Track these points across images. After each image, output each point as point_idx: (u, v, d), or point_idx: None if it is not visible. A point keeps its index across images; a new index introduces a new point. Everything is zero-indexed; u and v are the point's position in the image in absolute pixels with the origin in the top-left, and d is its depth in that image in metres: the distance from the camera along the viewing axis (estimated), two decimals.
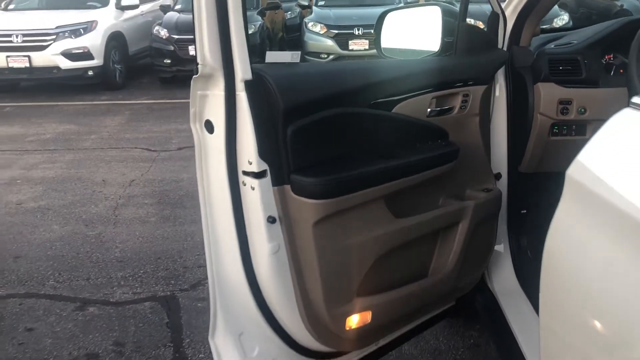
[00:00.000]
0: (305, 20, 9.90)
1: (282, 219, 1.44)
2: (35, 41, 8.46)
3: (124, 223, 4.00)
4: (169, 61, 9.03)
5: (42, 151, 5.92)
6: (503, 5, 1.96)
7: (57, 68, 8.51)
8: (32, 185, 4.85)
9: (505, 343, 1.94)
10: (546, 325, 1.22)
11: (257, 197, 1.41)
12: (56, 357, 2.54)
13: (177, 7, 9.97)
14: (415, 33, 1.90)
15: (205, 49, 1.34)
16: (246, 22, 1.35)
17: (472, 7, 2.05)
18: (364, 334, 1.64)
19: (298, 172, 1.42)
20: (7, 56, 8.41)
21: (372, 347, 1.84)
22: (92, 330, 2.73)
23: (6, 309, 2.95)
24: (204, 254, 1.59)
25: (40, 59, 8.43)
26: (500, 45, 1.92)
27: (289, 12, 12.40)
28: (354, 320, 1.59)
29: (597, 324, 1.01)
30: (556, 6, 9.62)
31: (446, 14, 1.84)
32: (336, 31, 9.20)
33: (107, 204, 4.37)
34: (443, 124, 1.76)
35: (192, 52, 8.75)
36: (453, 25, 1.84)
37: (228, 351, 1.56)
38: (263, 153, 1.39)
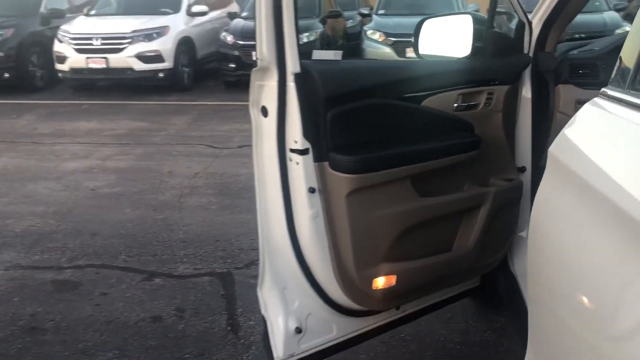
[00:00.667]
0: (365, 28, 10.20)
1: (321, 190, 1.72)
2: (113, 44, 9.11)
3: (187, 209, 4.38)
4: (233, 65, 9.50)
5: (116, 145, 6.44)
6: (530, 15, 2.18)
7: (131, 69, 9.13)
8: (107, 174, 5.33)
9: (522, 323, 2.15)
10: (533, 297, 1.40)
11: (300, 170, 1.70)
12: (126, 317, 2.91)
13: (244, 14, 10.46)
14: (449, 39, 2.14)
15: (263, 46, 1.64)
16: (297, 24, 1.64)
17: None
18: (389, 296, 1.90)
19: (335, 150, 1.70)
20: (87, 57, 9.10)
21: (398, 314, 2.10)
22: (157, 298, 3.09)
23: (84, 276, 3.36)
24: (258, 238, 1.89)
25: (116, 60, 9.08)
26: (526, 51, 2.14)
27: (350, 20, 12.71)
28: (380, 282, 1.85)
29: (577, 295, 1.19)
30: (620, 17, 9.53)
31: (477, 22, 2.08)
32: (394, 39, 9.44)
33: (173, 192, 4.77)
34: (469, 118, 2.00)
35: (255, 58, 9.20)
36: (482, 32, 2.08)
37: (273, 302, 1.85)
38: (307, 134, 1.67)
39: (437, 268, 1.98)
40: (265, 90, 1.72)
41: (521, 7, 2.07)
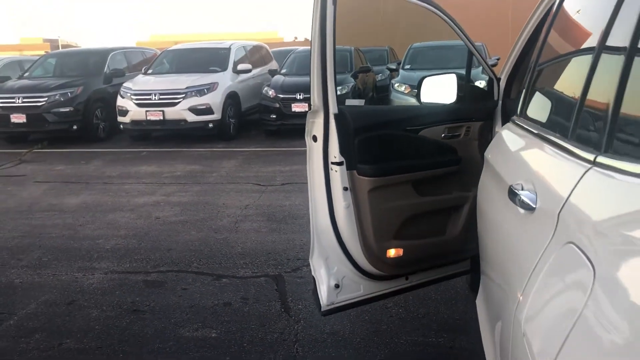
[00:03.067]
0: (392, 81, 11.23)
1: (351, 189, 2.62)
2: (169, 99, 10.32)
3: (242, 232, 5.31)
4: (274, 116, 10.60)
5: (176, 184, 7.47)
6: (498, 72, 3.10)
7: (185, 120, 10.30)
8: (172, 206, 6.33)
9: None
10: (482, 267, 2.21)
11: (338, 176, 2.60)
12: (204, 303, 3.80)
13: (283, 71, 11.66)
14: (440, 90, 3.06)
15: (315, 97, 2.57)
16: (335, 83, 2.57)
17: None
18: (398, 264, 2.76)
19: (360, 163, 2.62)
20: (146, 110, 10.32)
21: (406, 284, 2.95)
22: (225, 291, 3.99)
23: (167, 278, 4.28)
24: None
25: (172, 113, 10.27)
26: (495, 98, 3.04)
27: (380, 74, 13.83)
28: (392, 252, 2.72)
29: (500, 263, 1.75)
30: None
31: (459, 78, 3.01)
32: None
33: (229, 219, 5.72)
34: (453, 144, 2.90)
35: (294, 109, 10.31)
36: (463, 85, 3.00)
37: (319, 267, 2.73)
38: (342, 152, 2.58)
39: (433, 246, 2.84)
40: (315, 124, 2.64)
41: (490, 69, 2.99)
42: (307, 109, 2.78)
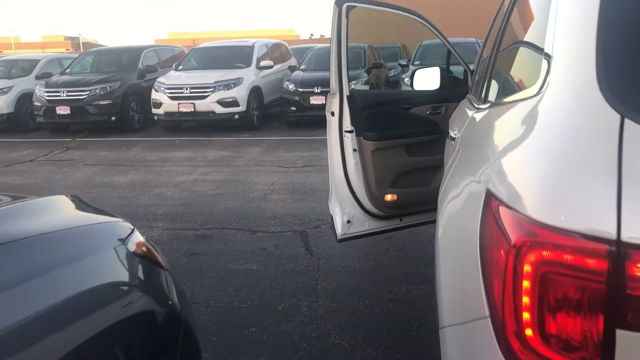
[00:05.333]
0: (402, 76, 12.19)
1: (359, 150, 3.62)
2: (199, 92, 11.37)
3: (271, 201, 6.33)
4: (294, 108, 11.61)
5: (209, 166, 8.52)
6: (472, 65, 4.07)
7: (213, 112, 11.35)
8: (208, 183, 7.38)
9: None
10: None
11: (349, 141, 3.60)
12: (245, 249, 4.82)
13: (302, 67, 12.69)
14: (428, 79, 4.04)
15: (333, 82, 3.56)
16: (348, 73, 3.56)
17: None
18: (394, 206, 3.76)
19: (366, 131, 3.62)
20: (179, 103, 11.38)
21: (400, 224, 3.93)
22: (261, 241, 5.01)
23: (213, 233, 5.32)
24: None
25: (201, 105, 11.32)
26: (469, 85, 4.01)
27: (393, 70, 14.78)
28: (389, 197, 3.71)
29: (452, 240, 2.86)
30: None
31: (442, 70, 3.99)
32: None
33: (259, 193, 6.75)
34: (435, 119, 3.89)
35: (312, 102, 11.31)
36: (445, 75, 3.98)
37: (336, 207, 3.72)
38: (352, 123, 3.58)
39: (420, 195, 3.83)
40: (333, 103, 3.64)
41: (465, 63, 3.97)
42: (324, 102, 3.79)
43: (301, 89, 11.52)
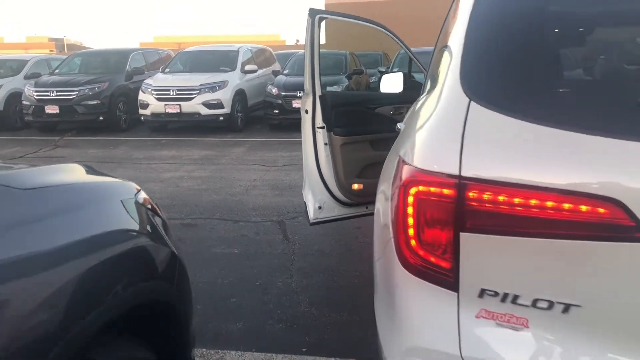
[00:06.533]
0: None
1: (329, 144, 4.10)
2: (185, 94, 11.80)
3: (252, 195, 6.79)
4: (277, 111, 12.07)
5: (194, 164, 8.96)
6: None
7: (199, 114, 11.78)
8: (194, 179, 7.82)
9: None
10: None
11: (321, 136, 4.07)
12: (228, 235, 5.28)
13: (285, 72, 13.16)
14: (392, 83, 4.54)
15: (307, 84, 4.04)
16: (320, 76, 4.04)
17: None
18: (360, 194, 4.24)
19: (335, 127, 4.10)
20: (165, 104, 11.79)
21: (366, 211, 4.41)
22: (242, 229, 5.47)
23: (198, 222, 5.77)
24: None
25: (187, 106, 11.74)
26: None
27: (373, 77, 15.33)
28: (355, 186, 4.19)
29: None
30: None
31: (405, 76, 4.50)
32: None
33: (241, 188, 7.20)
34: (398, 118, 4.38)
35: (294, 105, 11.78)
36: (407, 79, 4.49)
37: (308, 194, 4.19)
38: (324, 120, 4.06)
39: None
40: (307, 102, 4.11)
41: (424, 68, 4.47)
42: None
43: (284, 93, 11.99)
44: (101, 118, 12.32)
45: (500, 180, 1.27)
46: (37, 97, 12.26)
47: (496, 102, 1.36)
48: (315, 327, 3.49)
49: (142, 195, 2.04)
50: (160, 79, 12.38)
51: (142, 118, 12.30)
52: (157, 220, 2.03)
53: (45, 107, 12.18)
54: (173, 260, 1.96)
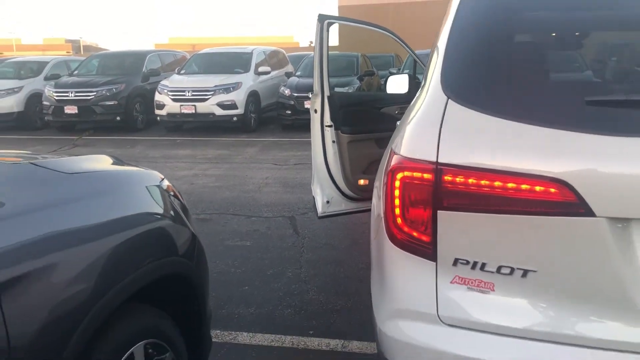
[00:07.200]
0: None
1: (337, 142, 4.34)
2: (200, 95, 12.09)
3: (264, 192, 7.05)
4: (289, 112, 12.33)
5: (209, 163, 9.24)
6: None
7: (213, 114, 12.06)
8: (208, 177, 8.09)
9: None
10: None
11: (329, 134, 4.31)
12: (240, 229, 5.53)
13: (297, 73, 13.43)
14: (398, 84, 4.76)
15: (316, 85, 4.28)
16: (328, 78, 4.28)
17: None
18: (366, 190, 4.46)
19: (343, 125, 4.33)
20: (181, 105, 12.09)
21: (371, 206, 4.64)
22: (254, 223, 5.72)
23: (212, 217, 6.03)
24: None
25: (202, 107, 12.03)
26: None
27: (384, 78, 15.55)
28: (361, 182, 4.43)
29: None
30: None
31: (410, 77, 4.72)
32: None
33: (254, 185, 7.46)
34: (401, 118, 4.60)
35: (306, 106, 12.03)
36: (412, 80, 4.71)
37: (317, 189, 4.43)
38: (332, 119, 4.29)
39: None
40: (316, 102, 4.35)
41: None
42: None
43: (296, 94, 12.24)
44: (118, 118, 12.65)
45: (471, 166, 1.50)
46: (56, 98, 12.62)
47: (469, 100, 1.59)
48: (321, 312, 3.72)
49: (166, 182, 2.30)
50: (176, 80, 12.68)
51: (158, 118, 12.60)
52: (179, 206, 2.28)
53: (65, 107, 12.53)
54: (192, 241, 2.20)
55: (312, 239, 5.18)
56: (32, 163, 1.84)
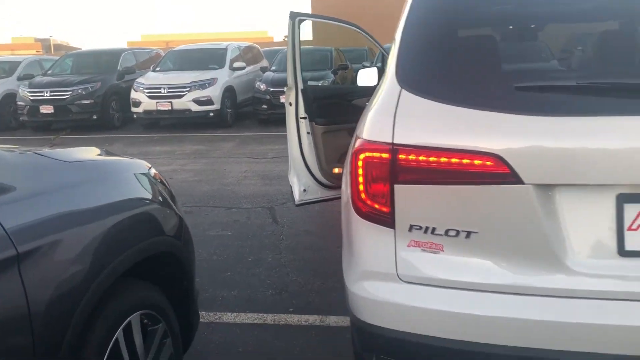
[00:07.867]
0: None
1: (312, 133, 4.57)
2: (176, 92, 12.22)
3: (243, 185, 7.25)
4: (265, 107, 12.52)
5: (187, 158, 9.40)
6: None
7: (189, 110, 12.21)
8: (187, 172, 8.27)
9: None
10: None
11: (304, 125, 4.53)
12: (221, 219, 5.74)
13: (273, 68, 13.61)
14: (368, 77, 5.01)
15: (289, 78, 4.50)
16: (301, 71, 4.50)
17: None
18: (340, 178, 4.70)
19: (317, 117, 4.56)
20: (157, 102, 12.21)
21: None
22: (234, 214, 5.93)
23: (193, 209, 6.22)
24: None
25: (178, 104, 12.17)
26: None
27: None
28: (336, 170, 4.67)
29: None
30: None
31: (379, 70, 4.97)
32: None
33: (233, 178, 7.66)
34: None
35: (282, 100, 12.24)
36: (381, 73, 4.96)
37: (293, 178, 4.66)
38: (306, 111, 4.52)
39: None
40: (290, 95, 4.57)
41: None
42: None
43: (272, 89, 12.44)
44: (95, 117, 12.72)
45: (421, 145, 1.75)
46: (31, 98, 12.64)
47: (419, 89, 1.85)
48: (301, 292, 3.97)
49: (153, 170, 2.52)
50: (151, 78, 12.79)
51: (134, 116, 12.70)
52: (166, 191, 2.51)
53: (40, 107, 12.56)
54: (180, 223, 2.43)
55: (290, 227, 5.41)
56: (36, 152, 2.05)
